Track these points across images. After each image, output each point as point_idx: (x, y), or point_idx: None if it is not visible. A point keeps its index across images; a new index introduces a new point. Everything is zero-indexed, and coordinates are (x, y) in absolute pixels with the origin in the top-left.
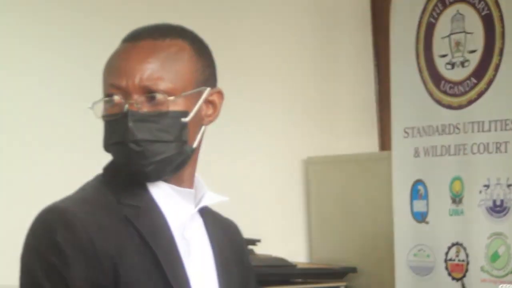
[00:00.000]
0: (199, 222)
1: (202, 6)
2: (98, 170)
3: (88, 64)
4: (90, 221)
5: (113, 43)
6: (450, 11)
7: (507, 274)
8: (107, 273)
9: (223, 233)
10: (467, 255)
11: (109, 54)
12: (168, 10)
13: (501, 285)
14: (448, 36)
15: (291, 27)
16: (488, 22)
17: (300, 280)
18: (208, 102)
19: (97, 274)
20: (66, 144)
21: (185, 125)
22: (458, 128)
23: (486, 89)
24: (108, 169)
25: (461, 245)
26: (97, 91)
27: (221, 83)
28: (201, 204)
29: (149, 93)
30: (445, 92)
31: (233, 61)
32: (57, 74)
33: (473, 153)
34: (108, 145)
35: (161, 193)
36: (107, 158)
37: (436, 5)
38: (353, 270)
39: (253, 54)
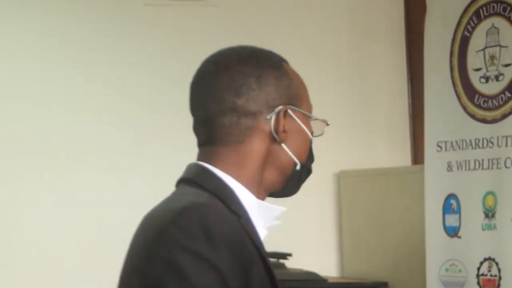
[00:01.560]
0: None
1: (238, 17)
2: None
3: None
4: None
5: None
6: (485, 25)
7: None
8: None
9: None
10: (499, 270)
11: None
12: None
13: None
14: (483, 49)
15: (325, 42)
16: None
17: None
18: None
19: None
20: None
21: None
22: (491, 142)
23: None
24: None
25: (493, 260)
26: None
27: None
28: (270, 224)
29: None
30: (479, 106)
31: None
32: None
33: (507, 167)
34: (310, 162)
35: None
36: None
37: (471, 18)
38: (385, 285)
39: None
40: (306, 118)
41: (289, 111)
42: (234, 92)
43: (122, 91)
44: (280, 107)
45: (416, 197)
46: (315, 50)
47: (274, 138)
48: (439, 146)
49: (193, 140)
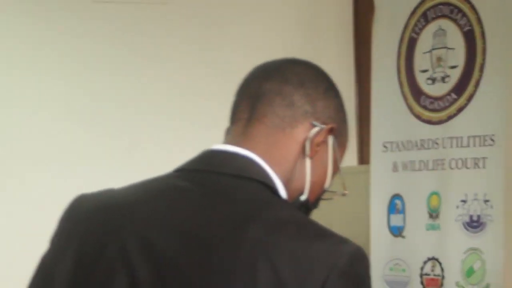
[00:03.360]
0: None
1: (187, 15)
2: None
3: None
4: None
5: None
6: (432, 27)
7: None
8: None
9: None
10: (442, 270)
11: None
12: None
13: None
14: (430, 51)
15: (272, 43)
16: (469, 38)
17: None
18: None
19: None
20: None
21: None
22: (437, 143)
23: (466, 105)
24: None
25: (437, 260)
26: None
27: (206, 90)
28: None
29: None
30: (425, 107)
31: (216, 68)
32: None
33: (451, 168)
34: (313, 205)
35: None
36: None
37: (418, 20)
38: None
39: (235, 62)
40: (337, 163)
41: (332, 137)
42: (300, 84)
43: (71, 89)
44: (330, 125)
45: (362, 197)
46: (262, 50)
47: (303, 150)
48: (385, 146)
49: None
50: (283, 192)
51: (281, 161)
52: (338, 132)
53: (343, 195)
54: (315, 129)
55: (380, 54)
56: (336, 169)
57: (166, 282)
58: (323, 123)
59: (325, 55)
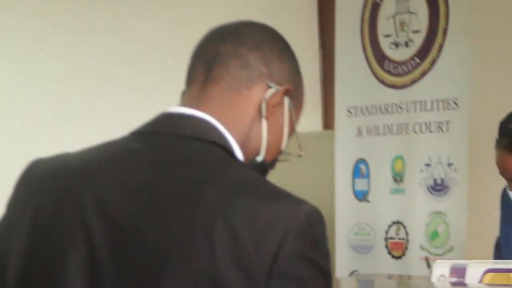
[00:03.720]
0: None
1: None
2: None
3: None
4: None
5: None
6: None
7: (445, 253)
8: None
9: None
10: (407, 234)
11: None
12: None
13: (437, 261)
14: (393, 16)
15: (235, 11)
16: (432, 3)
17: None
18: None
19: None
20: None
21: None
22: (400, 108)
23: (429, 69)
24: None
25: (401, 223)
26: None
27: (169, 68)
28: None
29: None
30: (389, 72)
31: (179, 43)
32: None
33: (415, 132)
34: (270, 165)
35: None
36: None
37: None
38: None
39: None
40: (293, 124)
41: (288, 99)
42: (256, 46)
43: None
44: (286, 86)
45: (327, 162)
46: (225, 18)
47: (259, 111)
48: (349, 111)
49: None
50: (239, 154)
51: (237, 122)
52: (294, 93)
53: (299, 156)
54: (271, 90)
55: (343, 20)
56: (292, 130)
57: (125, 244)
58: (279, 84)
59: (288, 23)
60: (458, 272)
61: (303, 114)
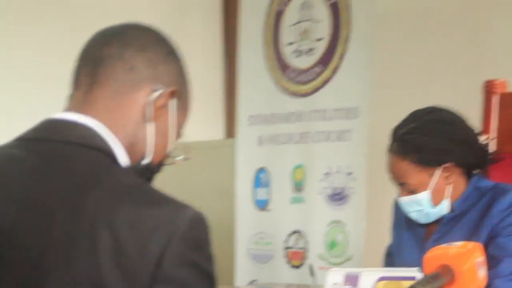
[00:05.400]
0: None
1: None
2: None
3: None
4: None
5: None
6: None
7: (344, 261)
8: None
9: None
10: (306, 243)
11: None
12: None
13: (331, 268)
14: (296, 24)
15: (139, 16)
16: (335, 11)
17: None
18: None
19: None
20: None
21: None
22: (301, 117)
23: (331, 77)
24: None
25: (301, 233)
26: None
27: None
28: None
29: None
30: (292, 80)
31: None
32: None
33: (315, 142)
34: (157, 169)
35: None
36: None
37: None
38: None
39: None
40: (179, 126)
41: (173, 100)
42: (141, 48)
43: None
44: (171, 88)
45: (228, 171)
46: (129, 20)
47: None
48: (250, 120)
49: None
50: (124, 159)
51: (124, 125)
52: (180, 95)
53: (185, 159)
54: (156, 93)
55: (247, 27)
56: (179, 132)
57: (4, 251)
58: (165, 86)
59: (192, 29)
60: (352, 280)
61: (206, 123)
